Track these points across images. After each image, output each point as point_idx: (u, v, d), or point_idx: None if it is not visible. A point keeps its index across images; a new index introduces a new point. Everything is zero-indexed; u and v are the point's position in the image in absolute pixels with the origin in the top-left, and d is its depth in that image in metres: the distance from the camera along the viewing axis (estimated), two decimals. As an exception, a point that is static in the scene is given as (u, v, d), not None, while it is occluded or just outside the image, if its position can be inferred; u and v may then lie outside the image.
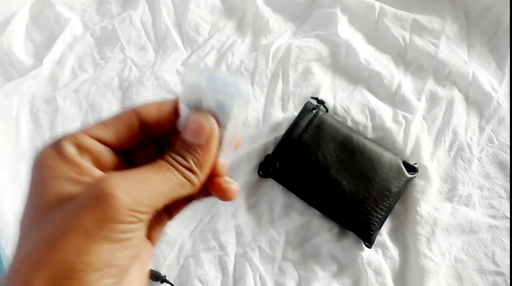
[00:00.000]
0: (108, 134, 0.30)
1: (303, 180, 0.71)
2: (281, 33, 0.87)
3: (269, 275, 0.70)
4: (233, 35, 0.89)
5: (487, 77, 0.79)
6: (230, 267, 0.71)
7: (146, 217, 0.27)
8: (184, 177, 0.29)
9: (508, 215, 0.71)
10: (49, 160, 0.28)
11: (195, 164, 0.30)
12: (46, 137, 0.81)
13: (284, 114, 0.80)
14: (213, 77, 0.30)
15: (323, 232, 0.71)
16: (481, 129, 0.77)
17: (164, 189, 0.28)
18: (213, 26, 0.90)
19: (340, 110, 0.79)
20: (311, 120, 0.73)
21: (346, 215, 0.69)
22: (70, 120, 0.82)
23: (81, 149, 0.29)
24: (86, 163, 0.28)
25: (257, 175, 0.75)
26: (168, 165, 0.29)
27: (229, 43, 0.87)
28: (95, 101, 0.83)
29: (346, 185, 0.69)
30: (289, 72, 0.82)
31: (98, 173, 0.28)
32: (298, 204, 0.73)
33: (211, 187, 0.32)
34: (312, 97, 0.77)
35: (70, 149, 0.28)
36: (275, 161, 0.72)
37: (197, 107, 0.31)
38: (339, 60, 0.84)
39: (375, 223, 0.68)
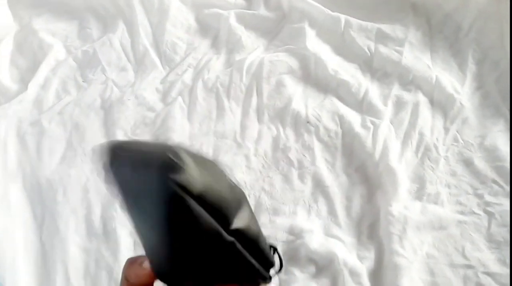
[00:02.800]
0: None
1: None
2: (253, 49, 0.92)
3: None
4: (209, 53, 0.93)
5: (449, 80, 0.83)
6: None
7: None
8: None
9: (475, 210, 0.75)
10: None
11: None
12: (33, 159, 0.84)
13: (260, 126, 0.83)
14: None
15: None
16: (446, 130, 0.80)
17: None
18: (189, 45, 0.94)
19: (312, 119, 0.82)
20: None
21: None
22: (56, 141, 0.85)
23: None
24: None
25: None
26: None
27: (205, 60, 0.91)
28: (78, 122, 0.87)
29: None
30: (262, 85, 0.86)
31: None
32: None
33: None
34: None
35: None
36: None
37: None
38: (309, 72, 0.88)
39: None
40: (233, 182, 0.27)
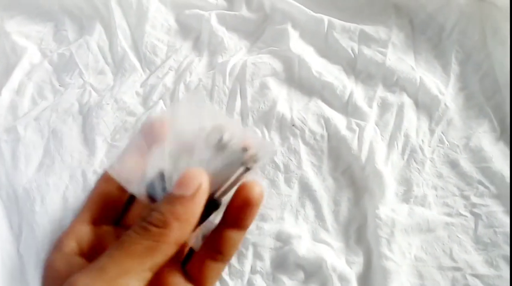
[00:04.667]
0: (96, 213, 0.31)
1: None
2: (236, 51, 0.90)
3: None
4: (190, 55, 0.91)
5: (434, 81, 0.83)
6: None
7: None
8: (150, 238, 0.26)
9: (462, 212, 0.75)
10: (54, 262, 0.29)
11: (170, 214, 0.26)
12: (8, 167, 0.81)
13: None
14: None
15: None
16: (431, 132, 0.80)
17: (126, 268, 0.25)
18: (170, 47, 0.92)
19: (297, 122, 0.81)
20: None
21: None
22: (32, 148, 0.82)
23: (80, 241, 0.29)
24: (83, 262, 0.29)
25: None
26: (128, 236, 0.26)
27: (187, 62, 0.89)
28: (56, 128, 0.84)
29: None
30: (246, 88, 0.85)
31: None
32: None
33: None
34: None
35: (71, 247, 0.29)
36: None
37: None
38: (293, 74, 0.86)
39: None
40: None
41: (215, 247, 0.31)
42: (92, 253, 0.29)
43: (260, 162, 0.30)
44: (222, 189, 0.30)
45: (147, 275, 0.26)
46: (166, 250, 0.26)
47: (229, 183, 0.30)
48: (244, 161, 0.29)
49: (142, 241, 0.25)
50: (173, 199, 0.27)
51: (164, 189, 0.29)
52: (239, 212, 0.31)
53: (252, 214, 0.31)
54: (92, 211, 0.31)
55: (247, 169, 0.30)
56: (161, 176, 0.29)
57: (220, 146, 0.30)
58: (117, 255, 0.25)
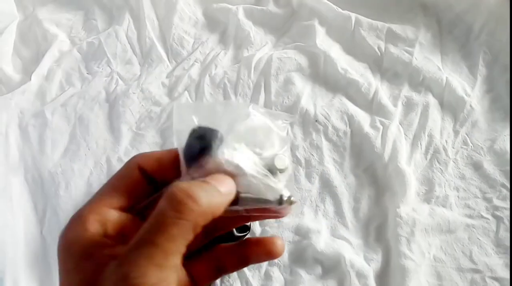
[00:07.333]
0: (123, 200, 0.31)
1: None
2: (262, 45, 0.90)
3: (255, 280, 0.72)
4: (216, 48, 0.92)
5: (460, 82, 0.83)
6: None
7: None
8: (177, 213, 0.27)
9: (484, 214, 0.74)
10: (80, 238, 0.28)
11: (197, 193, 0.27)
12: (35, 151, 0.83)
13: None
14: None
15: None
16: (456, 133, 0.80)
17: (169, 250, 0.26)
18: (197, 39, 0.93)
19: (320, 118, 0.82)
20: None
21: None
22: (59, 134, 0.84)
23: (104, 224, 0.29)
24: (110, 244, 0.29)
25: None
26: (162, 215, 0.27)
27: (212, 55, 0.90)
28: (82, 115, 0.85)
29: None
30: (270, 82, 0.85)
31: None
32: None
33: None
34: None
35: (96, 227, 0.29)
36: None
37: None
38: (318, 70, 0.87)
39: None
40: None
41: (223, 264, 0.33)
42: (117, 239, 0.29)
43: (291, 211, 0.32)
44: (250, 197, 0.31)
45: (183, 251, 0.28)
46: (187, 223, 0.27)
47: (258, 200, 0.31)
48: (282, 202, 0.31)
49: (176, 220, 0.26)
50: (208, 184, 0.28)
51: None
52: (258, 258, 0.33)
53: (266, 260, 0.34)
54: (120, 197, 0.30)
55: (279, 204, 0.31)
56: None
57: (273, 172, 0.31)
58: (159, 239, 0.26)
